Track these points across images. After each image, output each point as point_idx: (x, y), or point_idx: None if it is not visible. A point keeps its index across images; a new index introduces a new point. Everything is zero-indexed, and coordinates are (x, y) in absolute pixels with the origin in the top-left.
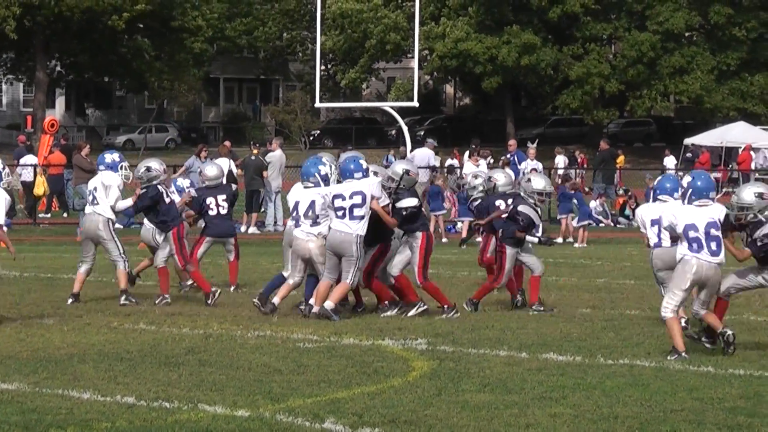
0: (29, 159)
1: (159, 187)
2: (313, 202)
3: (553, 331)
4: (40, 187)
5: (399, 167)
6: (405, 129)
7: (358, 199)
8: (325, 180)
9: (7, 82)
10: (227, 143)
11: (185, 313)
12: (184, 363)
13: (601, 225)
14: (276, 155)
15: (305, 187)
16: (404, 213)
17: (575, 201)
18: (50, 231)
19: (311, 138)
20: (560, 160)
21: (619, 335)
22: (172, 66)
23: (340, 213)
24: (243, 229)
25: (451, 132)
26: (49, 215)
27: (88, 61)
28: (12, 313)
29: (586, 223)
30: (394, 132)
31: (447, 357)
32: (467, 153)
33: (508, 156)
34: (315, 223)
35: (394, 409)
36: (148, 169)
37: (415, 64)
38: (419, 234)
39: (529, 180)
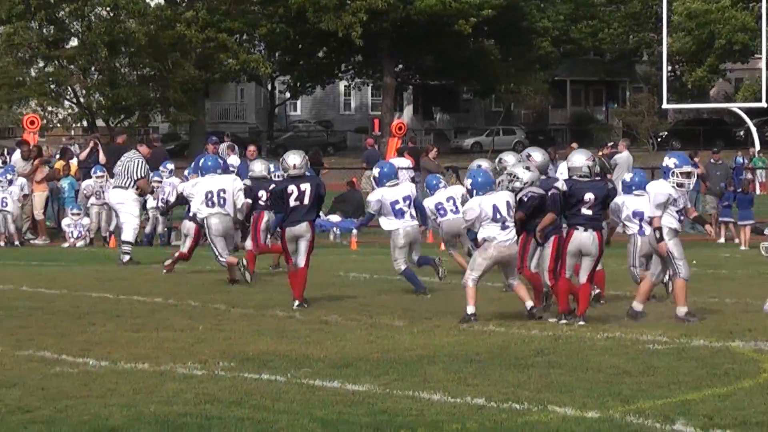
0: (402, 162)
1: None
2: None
3: None
4: None
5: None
6: (753, 130)
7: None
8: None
9: (356, 86)
10: (574, 145)
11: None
12: (533, 365)
13: None
14: (623, 157)
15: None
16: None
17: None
18: None
19: (659, 139)
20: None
21: None
22: (518, 68)
23: None
24: None
25: None
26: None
27: (433, 65)
28: (362, 314)
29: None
30: (742, 133)
31: None
32: None
33: None
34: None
35: (745, 411)
36: None
37: (762, 64)
38: (551, 238)
39: None
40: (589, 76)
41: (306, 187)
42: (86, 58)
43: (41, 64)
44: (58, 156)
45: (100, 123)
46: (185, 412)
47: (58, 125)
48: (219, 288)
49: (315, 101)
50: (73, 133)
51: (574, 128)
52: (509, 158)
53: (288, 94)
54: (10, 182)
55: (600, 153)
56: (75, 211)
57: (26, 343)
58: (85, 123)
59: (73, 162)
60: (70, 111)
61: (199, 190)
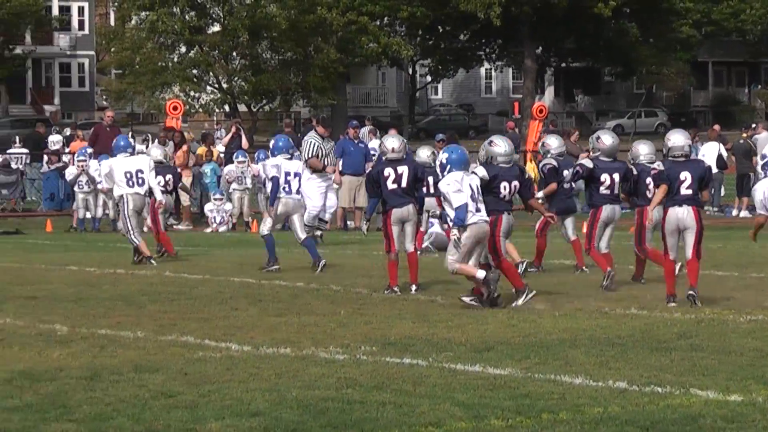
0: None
1: None
2: None
3: None
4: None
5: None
6: None
7: None
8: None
9: (497, 68)
10: (716, 127)
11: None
12: (676, 348)
13: None
14: (762, 138)
15: None
16: None
17: None
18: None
19: None
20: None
21: None
22: (659, 50)
23: None
24: (734, 212)
25: None
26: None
27: (573, 47)
28: (504, 298)
29: None
30: None
31: None
32: None
33: None
34: None
35: None
36: None
37: None
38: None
39: None
40: (731, 57)
41: (403, 169)
42: (228, 43)
43: (183, 49)
44: (201, 141)
45: (242, 108)
46: (327, 397)
47: (201, 110)
48: (360, 272)
49: (456, 85)
50: (215, 118)
51: (716, 110)
52: (552, 142)
53: (429, 78)
54: None
55: (744, 135)
56: (217, 196)
57: (169, 328)
58: (227, 108)
59: (217, 147)
60: (212, 96)
61: (116, 170)
